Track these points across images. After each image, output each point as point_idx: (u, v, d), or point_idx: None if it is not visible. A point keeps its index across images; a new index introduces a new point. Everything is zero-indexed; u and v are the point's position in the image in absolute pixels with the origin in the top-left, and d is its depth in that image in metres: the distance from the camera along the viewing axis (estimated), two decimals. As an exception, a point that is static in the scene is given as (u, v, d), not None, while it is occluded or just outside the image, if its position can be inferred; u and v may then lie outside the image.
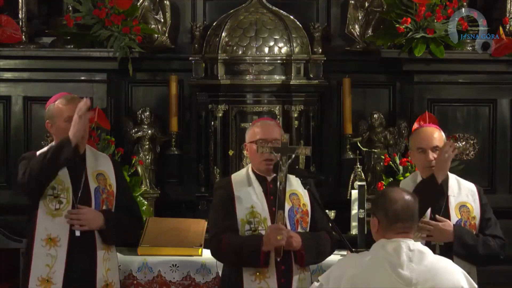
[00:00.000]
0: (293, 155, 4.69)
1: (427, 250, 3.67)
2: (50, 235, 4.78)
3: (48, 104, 4.97)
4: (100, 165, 4.96)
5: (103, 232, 4.81)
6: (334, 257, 4.99)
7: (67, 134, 4.77)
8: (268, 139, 4.75)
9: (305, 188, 4.65)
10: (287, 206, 4.75)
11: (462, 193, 4.93)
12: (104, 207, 4.87)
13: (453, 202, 4.90)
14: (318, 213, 4.82)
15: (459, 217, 4.87)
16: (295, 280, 4.69)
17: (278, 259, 4.63)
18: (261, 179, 4.83)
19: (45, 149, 4.93)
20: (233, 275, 4.75)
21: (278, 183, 4.62)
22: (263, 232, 4.68)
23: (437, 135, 4.91)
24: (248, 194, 4.78)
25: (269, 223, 4.69)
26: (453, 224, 4.80)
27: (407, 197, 3.70)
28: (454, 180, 4.96)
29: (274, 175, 4.79)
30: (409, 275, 3.58)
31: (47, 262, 4.77)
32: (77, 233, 4.76)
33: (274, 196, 4.74)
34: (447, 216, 4.85)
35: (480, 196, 4.94)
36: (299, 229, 4.75)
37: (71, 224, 4.75)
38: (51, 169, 4.74)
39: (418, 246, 3.66)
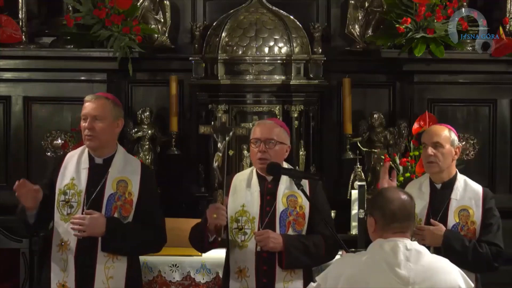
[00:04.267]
0: (231, 134, 4.74)
1: (424, 249, 3.67)
2: (62, 240, 4.76)
3: None
4: (126, 172, 4.84)
5: (103, 240, 4.74)
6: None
7: (82, 132, 4.79)
8: (261, 138, 4.74)
9: (298, 189, 4.65)
10: (281, 208, 4.76)
11: (466, 196, 4.88)
12: (116, 215, 4.78)
13: (454, 206, 4.87)
14: (316, 215, 4.78)
15: (457, 221, 4.84)
16: (280, 282, 4.68)
17: (219, 239, 4.67)
18: (261, 179, 4.83)
19: (77, 150, 4.96)
20: (227, 274, 4.79)
21: (215, 162, 4.65)
22: (248, 231, 4.72)
23: (442, 133, 4.89)
24: (243, 192, 4.80)
25: (257, 222, 4.72)
26: (445, 229, 4.78)
27: (404, 196, 3.70)
28: (461, 183, 4.93)
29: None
30: (407, 274, 3.58)
31: (61, 267, 4.75)
32: (79, 237, 4.74)
33: (271, 196, 4.76)
34: (446, 219, 4.84)
35: (484, 200, 4.88)
36: (290, 231, 4.73)
37: (72, 229, 4.71)
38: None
39: (415, 245, 3.66)
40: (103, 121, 4.77)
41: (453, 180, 4.93)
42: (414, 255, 3.62)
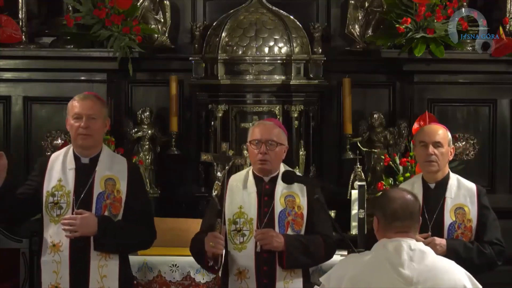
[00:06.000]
0: (230, 163, 4.75)
1: (428, 249, 3.66)
2: (53, 241, 4.75)
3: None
4: (113, 170, 4.85)
5: (95, 239, 4.74)
6: (335, 257, 4.96)
7: (74, 131, 4.77)
8: (262, 139, 4.72)
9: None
10: (280, 208, 4.75)
11: (461, 194, 4.89)
12: (106, 213, 4.77)
13: (449, 204, 4.87)
14: (317, 216, 4.77)
15: (454, 219, 4.84)
16: (280, 281, 4.67)
17: (216, 267, 4.66)
18: (258, 180, 4.82)
19: (61, 150, 4.93)
20: (225, 275, 4.79)
21: (214, 192, 4.64)
22: (247, 233, 4.71)
23: (441, 133, 4.91)
24: (240, 194, 4.78)
25: (255, 223, 4.71)
26: (446, 239, 4.76)
27: (407, 196, 3.69)
28: (454, 181, 4.94)
29: (271, 175, 4.80)
30: (410, 274, 3.57)
31: (54, 269, 4.74)
32: (71, 238, 4.72)
33: (269, 197, 4.75)
34: (442, 218, 4.84)
35: (479, 198, 4.89)
36: (289, 232, 4.71)
37: (64, 230, 4.70)
38: None
39: (419, 245, 3.65)
40: (98, 120, 4.80)
41: (446, 179, 4.93)
42: (418, 255, 3.61)
